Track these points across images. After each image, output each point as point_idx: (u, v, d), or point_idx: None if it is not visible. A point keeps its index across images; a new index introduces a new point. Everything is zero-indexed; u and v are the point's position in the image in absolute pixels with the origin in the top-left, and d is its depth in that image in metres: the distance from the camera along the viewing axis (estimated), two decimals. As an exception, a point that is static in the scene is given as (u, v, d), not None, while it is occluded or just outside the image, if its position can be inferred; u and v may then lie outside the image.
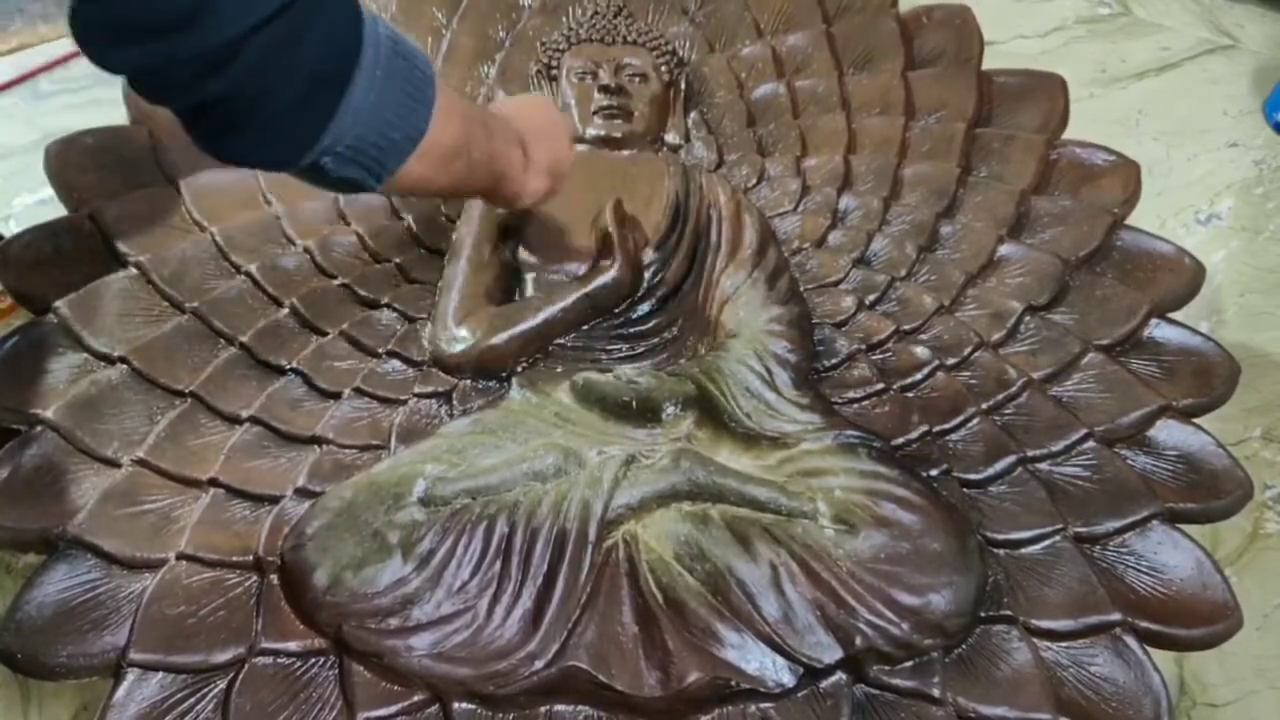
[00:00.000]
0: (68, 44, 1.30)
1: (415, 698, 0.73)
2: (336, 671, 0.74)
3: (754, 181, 1.09)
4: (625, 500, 0.80)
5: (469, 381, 0.92)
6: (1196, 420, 0.89)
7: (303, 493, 0.82)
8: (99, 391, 0.83)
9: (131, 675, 0.71)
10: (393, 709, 0.72)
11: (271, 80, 0.54)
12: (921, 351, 0.95)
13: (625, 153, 1.07)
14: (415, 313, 0.96)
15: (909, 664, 0.76)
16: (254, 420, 0.85)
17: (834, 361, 0.96)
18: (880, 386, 0.94)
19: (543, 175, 0.82)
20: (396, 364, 0.92)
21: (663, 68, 1.11)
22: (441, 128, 0.64)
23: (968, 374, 0.94)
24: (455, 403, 0.90)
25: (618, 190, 1.00)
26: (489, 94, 1.13)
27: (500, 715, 0.73)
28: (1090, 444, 0.88)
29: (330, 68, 0.56)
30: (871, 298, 1.00)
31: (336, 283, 0.96)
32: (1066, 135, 1.08)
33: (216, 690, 0.72)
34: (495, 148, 0.74)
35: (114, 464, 0.80)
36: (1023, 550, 0.83)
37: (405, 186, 0.67)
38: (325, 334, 0.92)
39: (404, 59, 0.61)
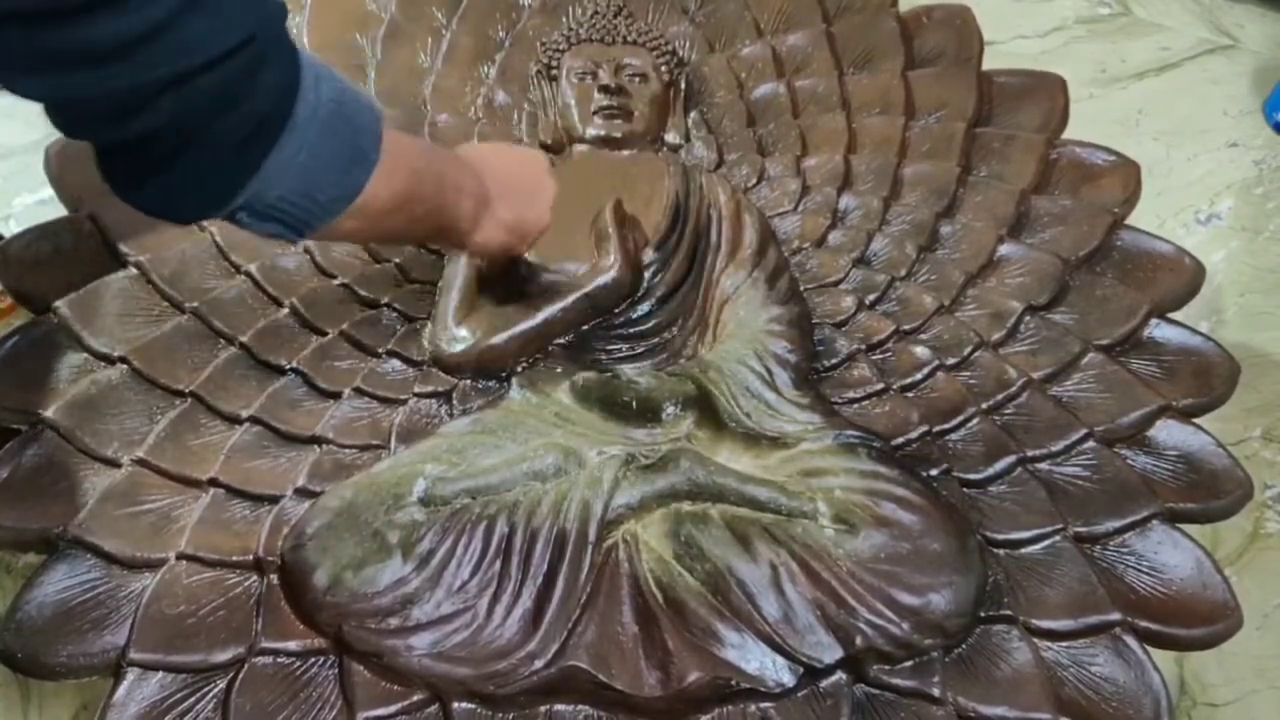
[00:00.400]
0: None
1: (415, 697, 0.73)
2: (336, 671, 0.74)
3: (754, 181, 1.09)
4: (625, 500, 0.80)
5: (469, 381, 0.92)
6: (1196, 420, 0.89)
7: (303, 493, 0.82)
8: (99, 391, 0.83)
9: (131, 675, 0.71)
10: (392, 709, 0.72)
11: (197, 128, 0.51)
12: (921, 351, 0.95)
13: (625, 153, 1.07)
14: (415, 313, 0.96)
15: (909, 664, 0.76)
16: (254, 420, 0.85)
17: (834, 361, 0.96)
18: (880, 386, 0.94)
19: (499, 232, 0.79)
20: (396, 364, 0.92)
21: (663, 68, 1.11)
22: (381, 186, 0.61)
23: (968, 374, 0.94)
24: (455, 403, 0.90)
25: (618, 190, 1.00)
26: (488, 96, 1.13)
27: (500, 715, 0.73)
28: (1090, 444, 0.88)
29: (259, 124, 0.53)
30: (871, 298, 1.00)
31: (336, 283, 0.96)
32: (1066, 135, 1.08)
33: (216, 690, 0.72)
34: (444, 202, 0.71)
35: (114, 464, 0.80)
36: (1023, 550, 0.83)
37: (332, 239, 0.65)
38: (325, 334, 0.92)
39: (346, 120, 0.58)
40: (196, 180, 0.54)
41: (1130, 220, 1.02)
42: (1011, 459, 0.87)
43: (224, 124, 0.52)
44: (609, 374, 0.91)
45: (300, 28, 1.08)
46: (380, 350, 0.92)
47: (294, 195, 0.57)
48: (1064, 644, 0.78)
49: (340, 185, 0.60)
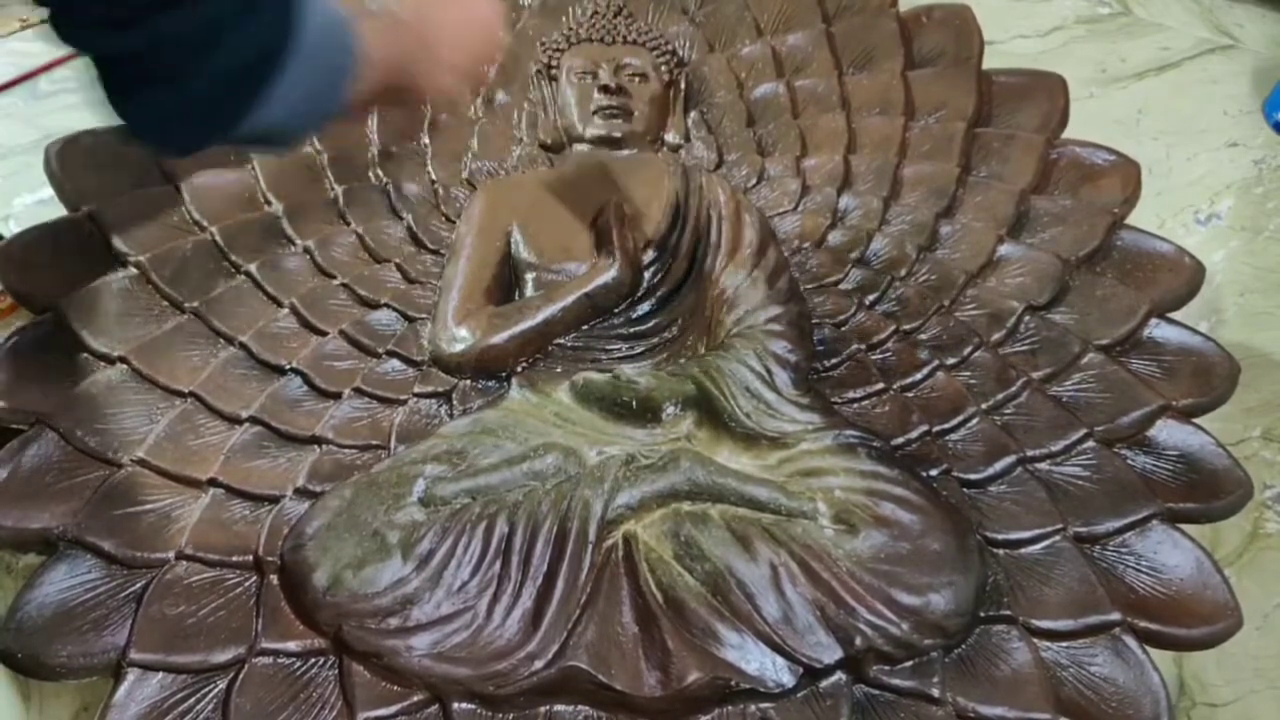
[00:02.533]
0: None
1: (415, 698, 0.73)
2: (336, 671, 0.74)
3: (754, 181, 1.10)
4: (625, 500, 0.80)
5: (469, 381, 0.92)
6: (1196, 420, 0.89)
7: (302, 493, 0.82)
8: (99, 391, 0.83)
9: (131, 675, 0.71)
10: (392, 709, 0.72)
11: (197, 55, 0.52)
12: (921, 351, 0.95)
13: (625, 152, 1.07)
14: (415, 313, 0.96)
15: (909, 664, 0.76)
16: (254, 420, 0.85)
17: (834, 361, 0.96)
18: (880, 386, 0.94)
19: (449, 77, 0.75)
20: (396, 364, 0.92)
21: (662, 67, 1.11)
22: (360, 92, 0.62)
23: (968, 374, 0.94)
24: (455, 403, 0.90)
25: (618, 190, 1.00)
26: (488, 96, 1.12)
27: (500, 715, 0.73)
28: (1090, 444, 0.88)
29: (258, 60, 0.54)
30: (871, 297, 1.00)
31: (336, 282, 0.96)
32: (1066, 135, 1.08)
33: (216, 690, 0.72)
34: (403, 80, 0.70)
35: (114, 464, 0.80)
36: (1022, 550, 0.83)
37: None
38: (325, 334, 0.92)
39: (333, 40, 0.59)
40: (196, 109, 0.54)
41: (1130, 220, 1.02)
42: (1011, 459, 0.87)
43: (227, 52, 0.52)
44: (609, 374, 0.91)
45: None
46: (380, 350, 0.92)
47: (288, 120, 0.58)
48: (1064, 644, 0.78)
49: (327, 103, 0.60)
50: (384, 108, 0.71)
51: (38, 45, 1.30)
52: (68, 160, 0.93)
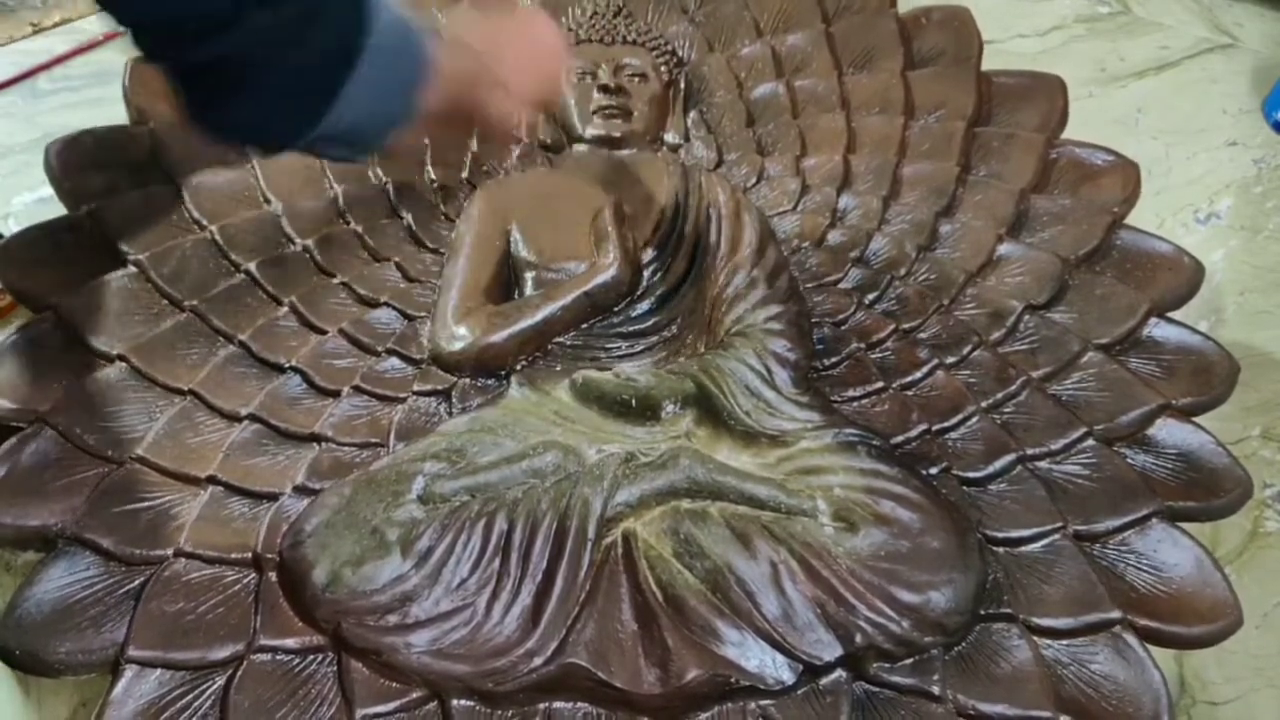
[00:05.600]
0: (79, 34, 1.30)
1: (414, 695, 0.73)
2: (335, 668, 0.74)
3: (753, 181, 1.10)
4: (625, 498, 0.80)
5: (468, 380, 0.92)
6: (1196, 419, 0.89)
7: (301, 490, 0.82)
8: (98, 389, 0.83)
9: (130, 672, 0.71)
10: (391, 706, 0.72)
11: (281, 52, 0.54)
12: (921, 350, 0.95)
13: (625, 152, 1.07)
14: (414, 311, 0.96)
15: (909, 661, 0.76)
16: (253, 418, 0.85)
17: (833, 360, 0.96)
18: (880, 385, 0.94)
19: (525, 106, 0.79)
20: (395, 362, 0.92)
21: (662, 67, 1.11)
22: (431, 103, 0.65)
23: (967, 372, 0.94)
24: (454, 401, 0.90)
25: (617, 190, 1.00)
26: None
27: (499, 712, 0.73)
28: (1090, 442, 0.88)
29: (336, 54, 0.56)
30: (871, 296, 1.00)
31: (335, 281, 0.96)
32: (1066, 134, 1.08)
33: (215, 687, 0.72)
34: (478, 97, 0.73)
35: (113, 461, 0.80)
36: (1022, 548, 0.83)
37: (390, 152, 0.68)
38: (324, 332, 0.92)
39: (404, 41, 0.62)
40: (281, 104, 0.57)
41: (1129, 219, 1.02)
42: (1011, 457, 0.87)
43: (307, 47, 0.55)
44: (608, 372, 0.91)
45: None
46: (379, 348, 0.92)
47: (364, 121, 0.60)
48: (1064, 642, 0.78)
49: (401, 107, 0.63)
50: (446, 129, 0.74)
51: (38, 44, 1.30)
52: (68, 159, 0.93)
